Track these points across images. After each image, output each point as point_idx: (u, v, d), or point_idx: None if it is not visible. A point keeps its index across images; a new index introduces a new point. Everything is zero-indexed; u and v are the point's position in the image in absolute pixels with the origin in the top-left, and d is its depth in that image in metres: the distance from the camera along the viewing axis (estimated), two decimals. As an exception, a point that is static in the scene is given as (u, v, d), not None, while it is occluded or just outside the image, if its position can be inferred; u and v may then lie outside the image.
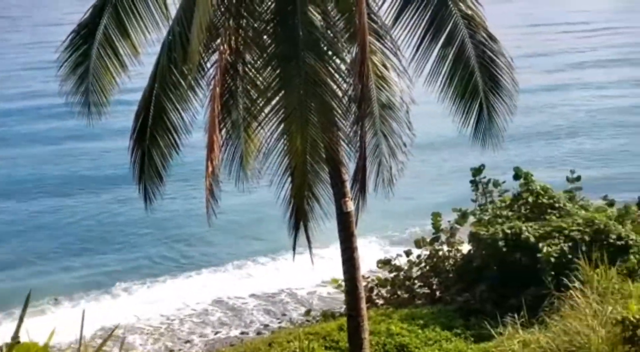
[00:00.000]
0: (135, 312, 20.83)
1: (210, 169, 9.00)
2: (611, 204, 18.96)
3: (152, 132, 10.48)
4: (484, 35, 10.45)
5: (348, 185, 10.65)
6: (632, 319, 9.17)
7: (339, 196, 10.77)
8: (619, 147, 33.57)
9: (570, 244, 15.04)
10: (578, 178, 19.83)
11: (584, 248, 13.99)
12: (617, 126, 36.47)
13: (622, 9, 77.93)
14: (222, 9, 9.87)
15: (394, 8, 10.59)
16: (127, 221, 26.46)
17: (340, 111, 9.87)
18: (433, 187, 28.83)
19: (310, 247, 10.08)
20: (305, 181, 9.49)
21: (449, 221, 18.87)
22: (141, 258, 24.39)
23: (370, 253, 20.10)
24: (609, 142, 34.47)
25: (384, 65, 10.78)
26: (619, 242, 15.26)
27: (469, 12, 10.46)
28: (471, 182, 19.71)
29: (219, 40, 9.71)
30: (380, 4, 10.78)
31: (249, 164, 10.94)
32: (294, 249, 10.31)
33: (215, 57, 9.76)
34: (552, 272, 14.24)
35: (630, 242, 15.40)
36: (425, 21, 10.51)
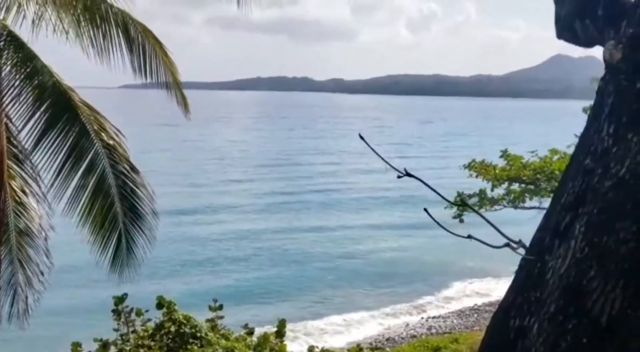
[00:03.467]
0: None
1: None
2: (250, 332, 19.85)
3: None
4: (126, 166, 10.71)
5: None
6: None
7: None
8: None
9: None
10: (220, 307, 20.53)
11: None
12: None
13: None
14: None
15: (35, 133, 10.42)
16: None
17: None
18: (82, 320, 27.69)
19: None
20: None
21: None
22: None
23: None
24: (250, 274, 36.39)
25: (23, 191, 10.47)
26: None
27: (111, 142, 10.67)
28: (113, 311, 19.32)
29: None
30: (20, 127, 10.54)
31: None
32: None
33: None
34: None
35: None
36: (66, 148, 10.46)
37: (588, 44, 4.49)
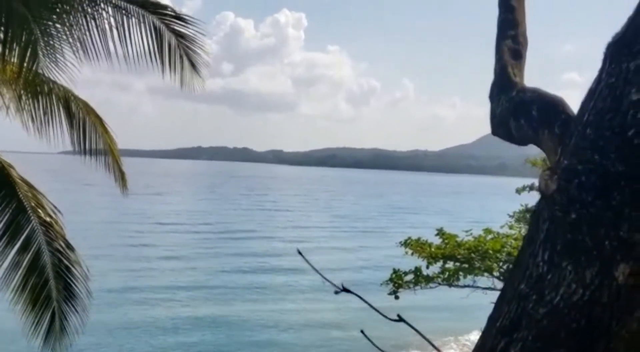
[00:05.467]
0: None
1: None
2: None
3: None
4: (62, 243, 10.60)
5: None
6: None
7: None
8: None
9: None
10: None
11: None
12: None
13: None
14: None
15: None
16: None
17: None
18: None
19: None
20: None
21: None
22: None
23: None
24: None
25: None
26: None
27: (48, 219, 10.59)
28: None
29: None
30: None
31: None
32: None
33: None
34: None
35: None
36: (2, 225, 10.33)
37: (522, 142, 4.62)
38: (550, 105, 4.16)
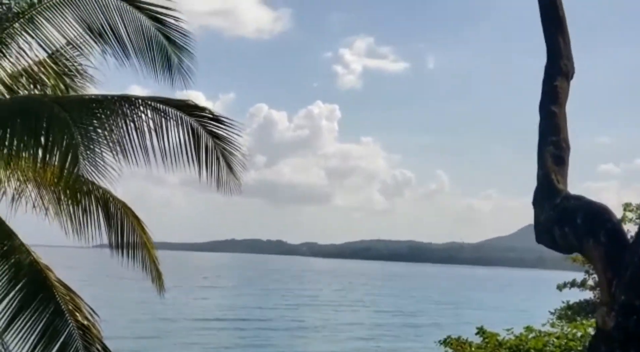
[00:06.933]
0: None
1: None
2: None
3: None
4: (99, 347, 10.53)
5: None
6: None
7: None
8: None
9: None
10: None
11: None
12: None
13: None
14: None
15: (8, 312, 10.31)
16: None
17: None
18: None
19: None
20: None
21: None
22: None
23: None
24: None
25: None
26: None
27: (85, 322, 10.54)
28: None
29: None
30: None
31: None
32: None
33: None
34: None
35: None
36: (39, 328, 10.33)
37: (567, 251, 4.43)
38: (595, 214, 4.00)
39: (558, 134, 4.78)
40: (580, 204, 4.30)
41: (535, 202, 4.79)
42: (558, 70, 5.09)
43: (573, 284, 27.90)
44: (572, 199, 4.44)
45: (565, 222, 4.26)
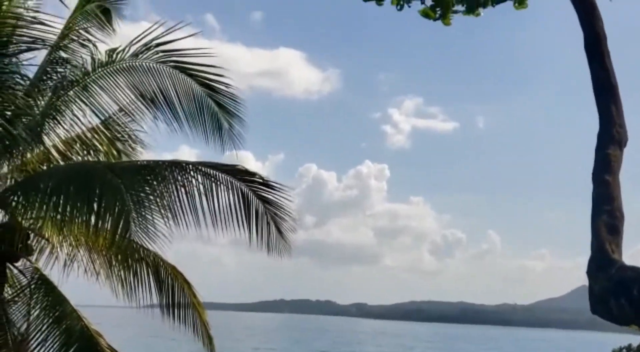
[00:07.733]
0: None
1: None
2: None
3: None
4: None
5: None
6: None
7: None
8: None
9: None
10: None
11: None
12: None
13: None
14: None
15: None
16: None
17: None
18: None
19: None
20: None
21: None
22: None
23: None
24: None
25: None
26: None
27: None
28: None
29: None
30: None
31: None
32: None
33: None
34: None
35: None
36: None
37: (623, 322, 4.27)
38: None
39: (612, 203, 4.68)
40: (637, 275, 4.17)
41: (590, 273, 4.65)
42: (611, 138, 5.02)
43: (629, 349, 26.89)
44: (628, 270, 4.31)
45: (622, 293, 4.12)
